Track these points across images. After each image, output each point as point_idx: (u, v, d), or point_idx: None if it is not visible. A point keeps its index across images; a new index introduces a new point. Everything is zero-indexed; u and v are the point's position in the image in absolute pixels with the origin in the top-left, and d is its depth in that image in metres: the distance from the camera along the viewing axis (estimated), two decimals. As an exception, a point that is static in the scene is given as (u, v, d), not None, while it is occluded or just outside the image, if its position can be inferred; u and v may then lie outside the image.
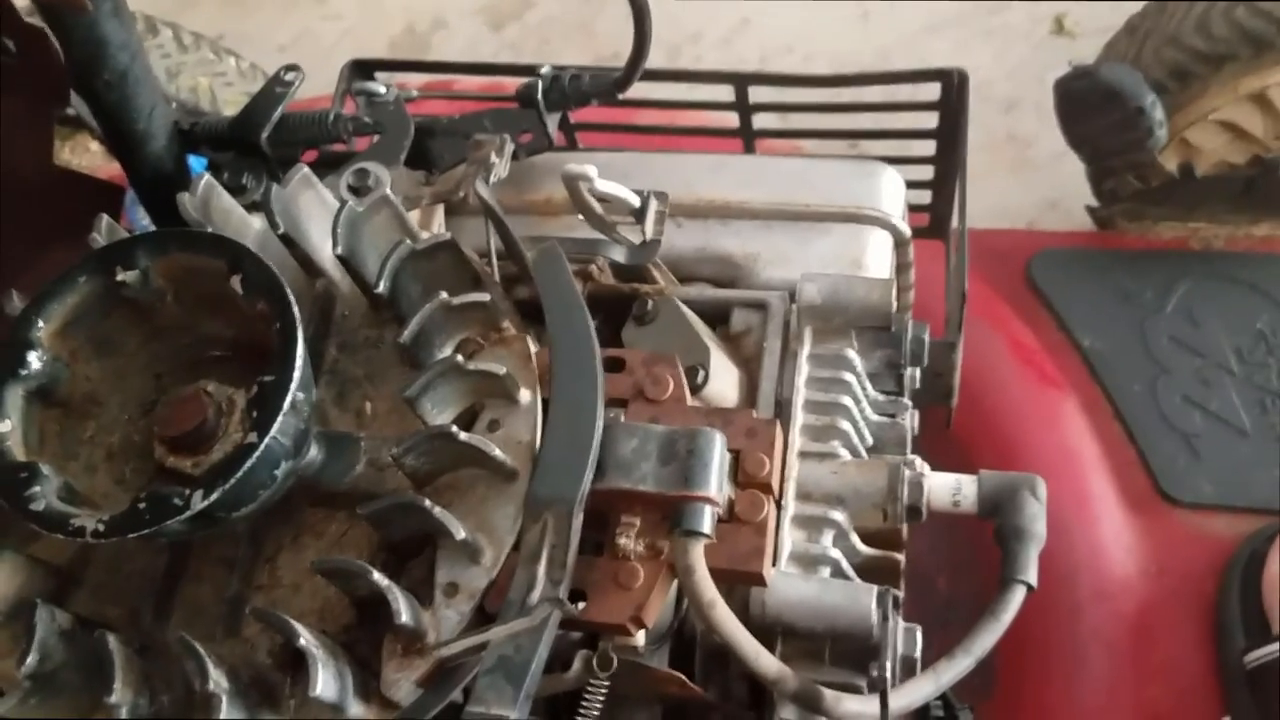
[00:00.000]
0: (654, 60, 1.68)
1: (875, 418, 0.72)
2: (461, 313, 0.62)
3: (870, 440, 0.72)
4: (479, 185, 0.67)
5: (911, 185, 0.91)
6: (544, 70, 0.78)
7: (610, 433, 0.56)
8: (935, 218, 0.96)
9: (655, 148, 0.93)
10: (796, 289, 0.71)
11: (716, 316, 0.75)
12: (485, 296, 0.62)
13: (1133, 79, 0.95)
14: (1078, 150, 1.08)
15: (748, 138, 0.89)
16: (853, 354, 0.71)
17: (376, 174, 0.77)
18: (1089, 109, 0.99)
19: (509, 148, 0.79)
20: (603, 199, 0.69)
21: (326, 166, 0.81)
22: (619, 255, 0.70)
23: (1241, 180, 1.00)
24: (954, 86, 0.80)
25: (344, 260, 0.64)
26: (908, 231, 0.79)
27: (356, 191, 0.76)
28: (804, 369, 0.71)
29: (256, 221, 0.68)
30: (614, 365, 0.63)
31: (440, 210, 0.80)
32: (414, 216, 0.79)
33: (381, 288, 0.61)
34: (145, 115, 0.76)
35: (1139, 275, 1.07)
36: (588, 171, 0.66)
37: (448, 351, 0.63)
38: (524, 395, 0.60)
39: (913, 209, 0.92)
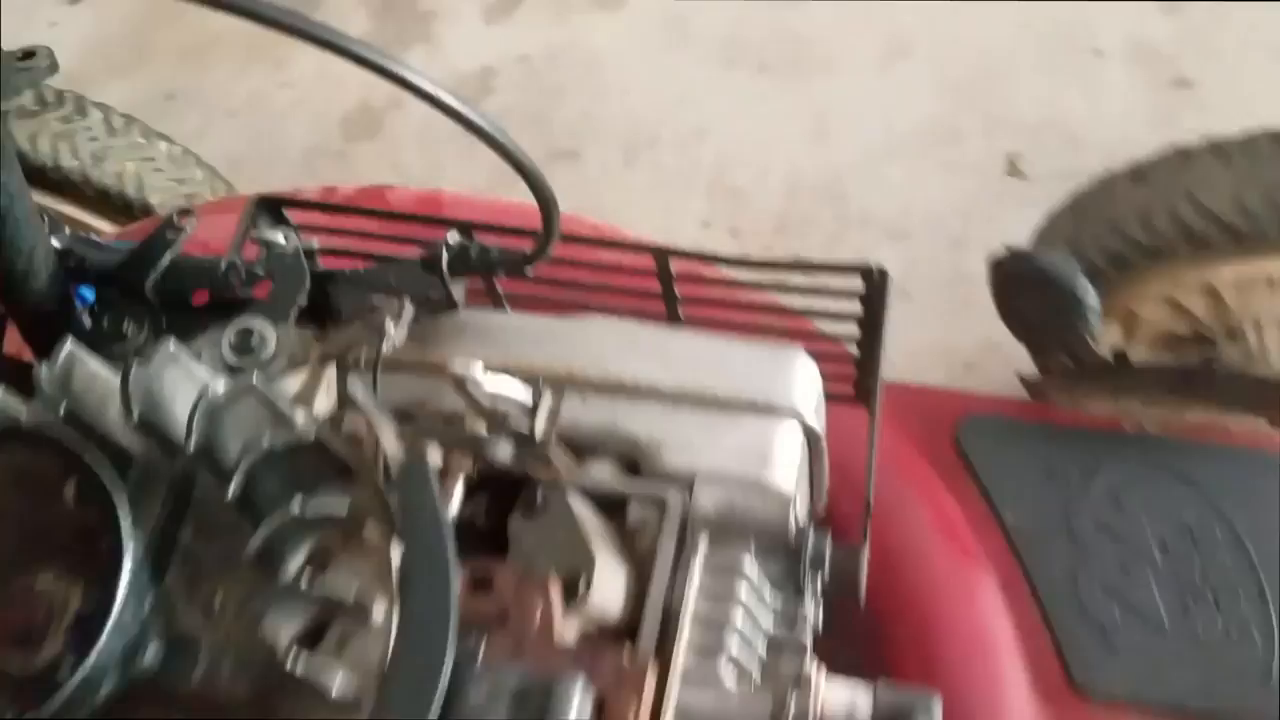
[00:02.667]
0: (610, 160, 1.67)
1: (771, 632, 0.70)
2: (314, 523, 0.60)
3: (763, 655, 0.69)
4: (351, 383, 0.64)
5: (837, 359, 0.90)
6: (450, 239, 0.76)
7: (460, 672, 0.53)
8: (860, 388, 0.94)
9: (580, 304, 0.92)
10: (693, 492, 0.69)
11: (614, 507, 0.73)
12: (339, 508, 0.59)
13: (1068, 267, 0.94)
14: (1011, 327, 1.07)
15: (671, 306, 0.87)
16: (749, 564, 0.69)
17: (261, 332, 0.74)
18: (1023, 290, 0.98)
19: (407, 313, 0.76)
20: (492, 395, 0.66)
21: (221, 311, 0.79)
22: (504, 456, 0.67)
23: (1177, 372, 1.00)
24: (874, 283, 0.79)
25: (200, 455, 0.61)
26: (819, 427, 0.78)
27: (239, 351, 0.74)
28: (696, 578, 0.68)
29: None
30: (482, 583, 0.60)
31: (332, 369, 0.77)
32: (300, 377, 0.76)
33: (230, 494, 0.59)
34: (25, 255, 0.73)
35: (1067, 452, 1.06)
36: (473, 374, 0.64)
37: (299, 560, 0.60)
38: (378, 613, 0.57)
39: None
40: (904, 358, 1.34)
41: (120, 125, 1.35)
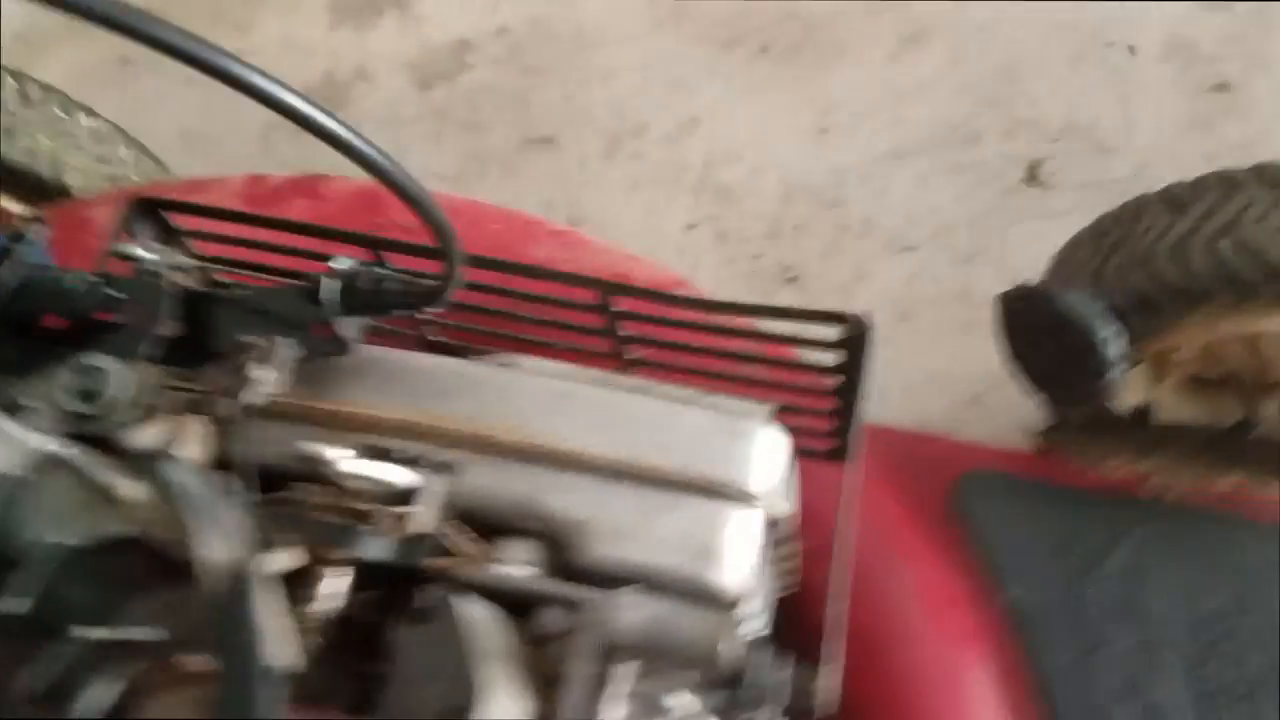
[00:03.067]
0: (589, 150, 1.52)
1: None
2: (122, 650, 0.46)
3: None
4: (167, 467, 0.50)
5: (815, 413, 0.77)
6: (338, 265, 0.62)
7: None
8: (836, 445, 0.80)
9: (519, 332, 0.78)
10: (615, 607, 0.56)
11: (521, 607, 0.59)
12: (155, 636, 0.46)
13: (1090, 310, 0.80)
14: (1018, 373, 0.93)
15: (616, 346, 0.74)
16: (688, 699, 0.55)
17: (105, 374, 0.61)
18: (1036, 333, 0.84)
19: (282, 355, 0.63)
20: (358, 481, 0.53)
21: (77, 333, 0.66)
22: (376, 554, 0.54)
23: (1207, 434, 0.86)
24: (854, 333, 0.65)
25: None
26: (785, 507, 0.64)
27: (80, 395, 0.61)
28: (620, 715, 0.55)
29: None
30: (326, 735, 0.47)
31: (198, 421, 0.64)
32: (158, 427, 0.63)
33: (12, 606, 0.46)
34: None
35: (1081, 519, 0.93)
36: (324, 456, 0.50)
37: (105, 699, 0.47)
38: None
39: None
40: (901, 391, 1.20)
41: (37, 96, 1.21)
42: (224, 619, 0.45)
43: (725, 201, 1.52)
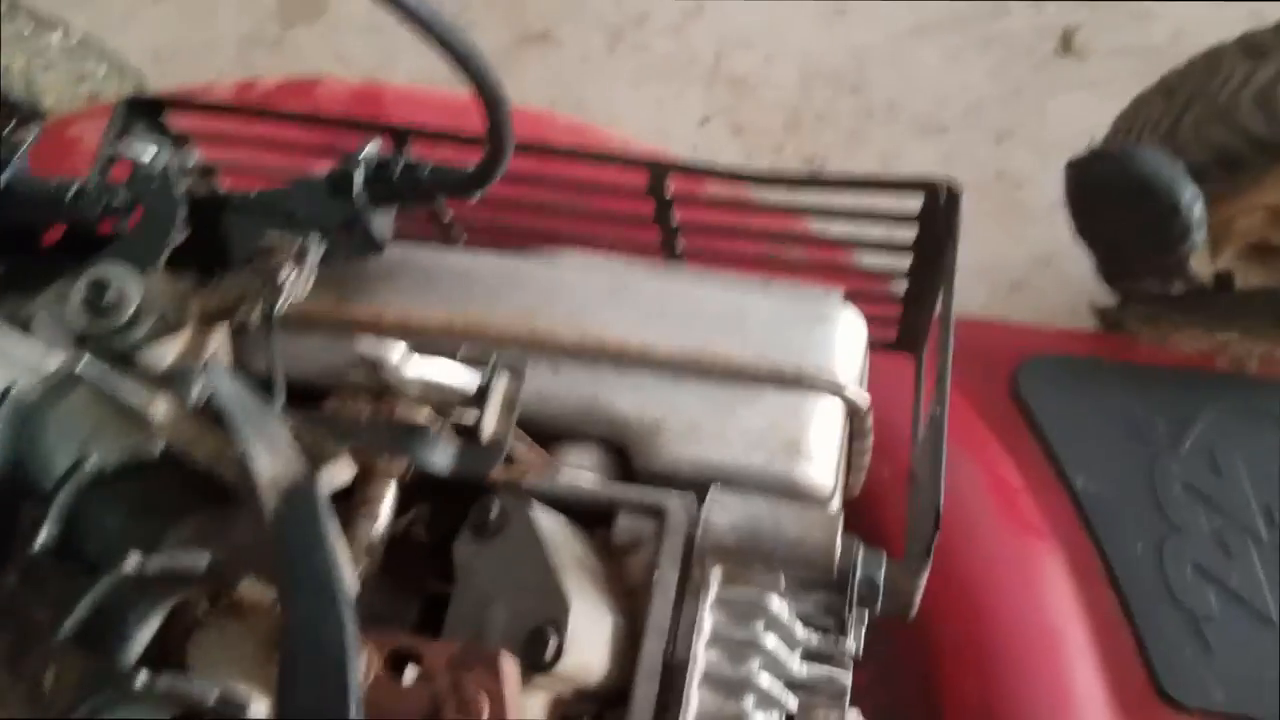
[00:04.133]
0: (591, 44, 1.44)
1: (804, 674, 0.53)
2: (165, 581, 0.42)
3: (793, 706, 0.52)
4: (213, 373, 0.45)
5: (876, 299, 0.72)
6: (366, 152, 0.56)
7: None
8: (905, 332, 0.76)
9: (552, 232, 0.72)
10: (704, 508, 0.51)
11: (597, 517, 0.55)
12: (198, 562, 0.41)
13: (1171, 171, 0.75)
14: (1090, 244, 0.88)
15: (668, 237, 0.68)
16: (777, 603, 0.51)
17: (120, 285, 0.55)
18: (1110, 200, 0.79)
19: (312, 255, 0.57)
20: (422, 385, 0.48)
21: (80, 253, 0.60)
22: (442, 464, 0.49)
23: (1290, 298, 0.82)
24: (940, 204, 0.60)
25: (10, 476, 0.43)
26: (865, 401, 0.59)
27: (92, 312, 0.55)
28: (707, 623, 0.51)
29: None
30: (404, 660, 0.43)
31: (221, 332, 0.58)
32: (180, 340, 0.58)
33: (41, 540, 0.41)
34: None
35: (1151, 400, 0.89)
36: (387, 357, 0.45)
37: (145, 636, 0.43)
38: (257, 708, 0.41)
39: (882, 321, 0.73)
40: (942, 278, 1.15)
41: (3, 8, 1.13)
42: (287, 540, 0.40)
43: (740, 92, 1.45)
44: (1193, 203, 0.76)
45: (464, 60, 0.44)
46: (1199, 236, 0.77)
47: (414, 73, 1.51)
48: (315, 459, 0.46)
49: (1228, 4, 1.35)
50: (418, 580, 0.56)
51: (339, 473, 0.46)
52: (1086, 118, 1.32)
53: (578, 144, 0.94)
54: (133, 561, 0.41)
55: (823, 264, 0.69)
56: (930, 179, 0.60)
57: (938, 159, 1.34)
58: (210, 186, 0.71)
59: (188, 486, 0.48)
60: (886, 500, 0.85)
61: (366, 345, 0.47)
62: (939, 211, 0.62)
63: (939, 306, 0.61)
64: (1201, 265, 0.84)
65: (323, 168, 0.66)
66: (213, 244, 0.63)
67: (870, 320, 0.70)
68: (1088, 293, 1.14)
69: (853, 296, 0.69)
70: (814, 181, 0.63)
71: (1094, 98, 1.33)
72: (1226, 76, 0.81)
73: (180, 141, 0.70)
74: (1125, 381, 0.90)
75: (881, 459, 0.74)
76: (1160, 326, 0.89)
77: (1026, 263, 1.23)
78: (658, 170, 0.64)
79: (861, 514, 0.70)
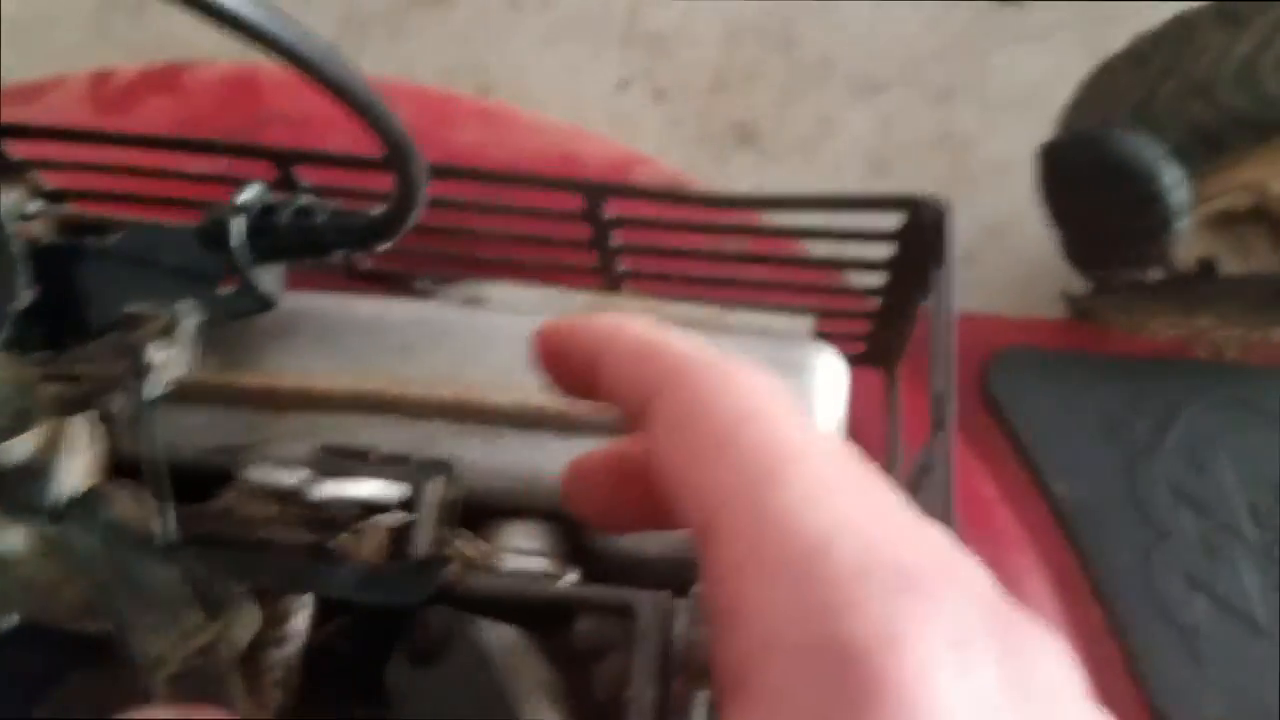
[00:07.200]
0: (490, 1, 1.34)
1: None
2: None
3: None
4: (69, 528, 0.37)
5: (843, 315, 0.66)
6: (245, 196, 0.48)
7: None
8: (875, 348, 0.70)
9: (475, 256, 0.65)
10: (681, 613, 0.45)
11: (554, 616, 0.48)
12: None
13: (1151, 154, 0.70)
14: (1062, 231, 0.83)
15: (608, 270, 0.61)
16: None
17: (-52, 379, 0.46)
18: (1086, 183, 0.74)
19: (186, 327, 0.49)
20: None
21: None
22: (370, 599, 0.42)
23: (1277, 282, 0.78)
24: (924, 222, 0.54)
25: None
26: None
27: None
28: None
29: None
30: None
31: (85, 422, 0.50)
32: (31, 443, 0.49)
33: None
34: None
35: (1130, 395, 0.85)
36: (284, 485, 0.38)
37: None
38: None
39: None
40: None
41: None
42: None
43: (659, 51, 1.36)
44: (1175, 187, 0.71)
45: (364, 110, 0.36)
46: (1181, 224, 0.73)
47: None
48: (210, 607, 0.39)
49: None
50: (344, 704, 0.49)
51: (240, 631, 0.38)
52: (1034, 70, 1.27)
53: (462, 147, 0.86)
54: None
55: (785, 284, 0.63)
56: (912, 196, 0.54)
57: (878, 121, 1.28)
58: (60, 225, 0.62)
59: (51, 641, 0.40)
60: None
61: (258, 473, 0.39)
62: (923, 229, 0.55)
63: (938, 333, 0.55)
64: (1181, 249, 0.79)
65: (203, 190, 0.58)
66: (64, 303, 0.54)
67: (838, 336, 0.64)
68: (1040, 264, 1.10)
69: (818, 311, 0.63)
70: (778, 203, 0.56)
71: (1039, 49, 1.28)
72: (1203, 47, 0.77)
73: (17, 171, 0.60)
74: (1102, 375, 0.86)
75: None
76: (1135, 315, 0.86)
77: (977, 233, 1.18)
78: (594, 193, 0.56)
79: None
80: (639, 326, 0.29)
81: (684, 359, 0.27)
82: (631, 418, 0.28)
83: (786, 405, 0.25)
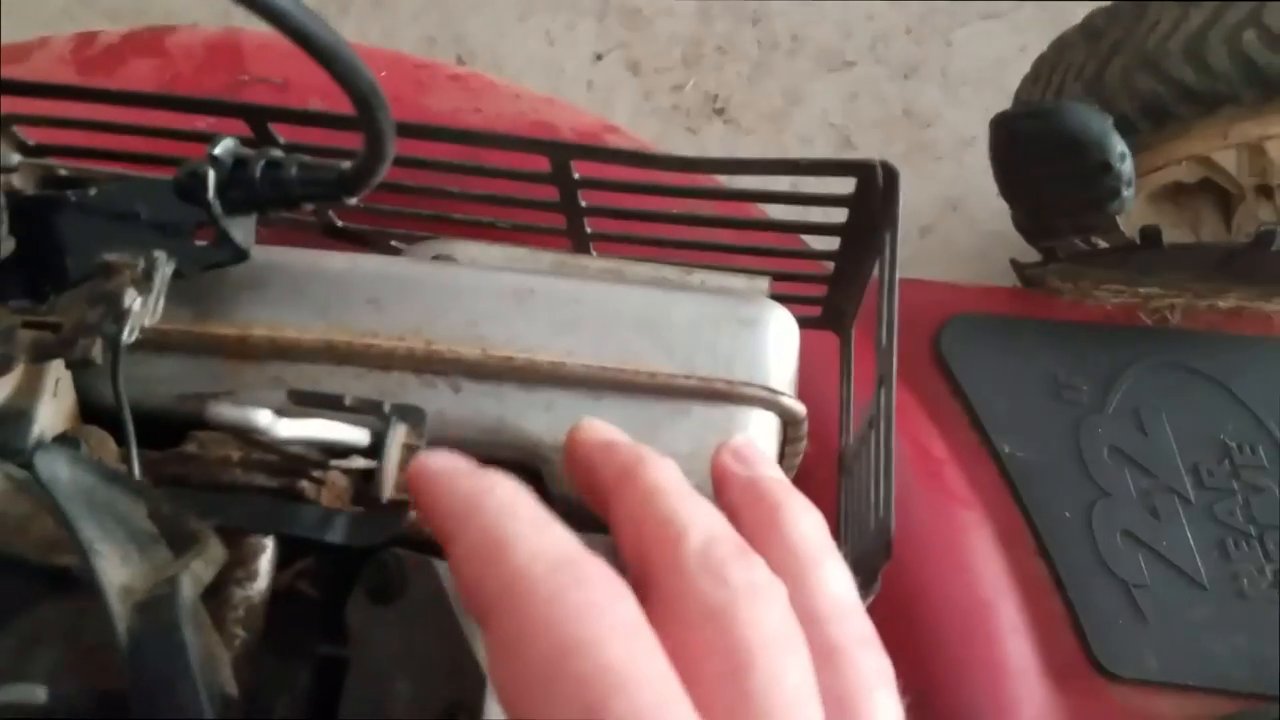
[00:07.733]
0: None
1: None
2: None
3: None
4: (44, 458, 0.38)
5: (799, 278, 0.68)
6: (218, 149, 0.48)
7: None
8: (830, 311, 0.72)
9: (444, 215, 0.65)
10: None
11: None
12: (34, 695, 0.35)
13: (1100, 126, 0.71)
14: (1012, 201, 0.85)
15: (575, 224, 0.62)
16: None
17: (-73, 323, 0.47)
18: (1036, 155, 0.76)
19: (161, 276, 0.49)
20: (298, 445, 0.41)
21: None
22: (333, 538, 0.43)
23: (1221, 251, 0.80)
24: (876, 185, 0.55)
25: None
26: (801, 411, 0.55)
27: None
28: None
29: None
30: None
31: (58, 369, 0.51)
32: (9, 382, 0.50)
33: None
34: None
35: (1075, 359, 0.87)
36: (252, 423, 0.39)
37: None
38: None
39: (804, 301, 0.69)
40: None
41: None
42: (142, 672, 0.34)
43: (635, 24, 1.37)
44: (1123, 159, 0.73)
45: (330, 59, 0.37)
46: (1128, 194, 0.75)
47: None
48: (177, 544, 0.40)
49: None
50: (307, 642, 0.50)
51: (206, 566, 0.39)
52: (996, 48, 1.29)
53: (440, 112, 0.87)
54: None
55: (742, 247, 0.64)
56: (863, 161, 0.55)
57: (845, 95, 1.30)
58: (40, 179, 0.62)
59: (19, 571, 0.41)
60: (812, 477, 0.82)
61: (224, 411, 0.40)
62: (874, 194, 0.57)
63: (883, 291, 0.57)
64: (1127, 220, 0.81)
65: (181, 148, 0.59)
66: (44, 253, 0.55)
67: (792, 299, 0.66)
68: (996, 236, 1.12)
69: (776, 274, 0.65)
70: (737, 166, 0.57)
71: (1002, 27, 1.30)
72: (1154, 22, 0.78)
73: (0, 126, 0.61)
74: (1048, 340, 0.88)
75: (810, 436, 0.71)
76: (1082, 282, 0.87)
77: (936, 205, 1.20)
78: (559, 153, 0.57)
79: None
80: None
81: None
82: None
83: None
